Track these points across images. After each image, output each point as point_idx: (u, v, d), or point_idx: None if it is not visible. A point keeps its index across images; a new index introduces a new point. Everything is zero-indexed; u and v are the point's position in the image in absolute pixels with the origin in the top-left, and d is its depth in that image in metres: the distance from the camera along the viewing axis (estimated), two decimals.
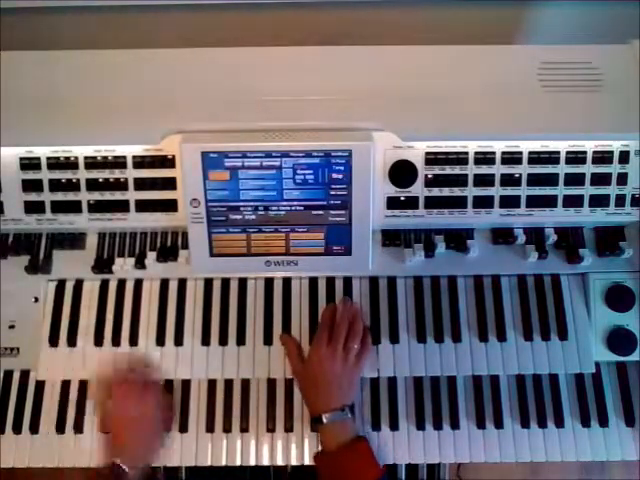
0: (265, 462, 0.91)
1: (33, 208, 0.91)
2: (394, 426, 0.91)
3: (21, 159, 0.89)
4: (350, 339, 0.89)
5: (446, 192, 0.91)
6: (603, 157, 0.89)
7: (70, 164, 0.89)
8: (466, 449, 0.91)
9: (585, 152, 0.89)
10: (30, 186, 0.90)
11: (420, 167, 0.89)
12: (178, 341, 0.93)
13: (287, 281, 0.96)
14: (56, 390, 0.94)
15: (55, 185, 0.90)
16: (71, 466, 0.91)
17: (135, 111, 0.87)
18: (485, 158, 0.89)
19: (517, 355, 0.92)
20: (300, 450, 0.91)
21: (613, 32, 0.95)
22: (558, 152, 0.89)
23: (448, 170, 0.90)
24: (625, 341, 0.92)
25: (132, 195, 0.91)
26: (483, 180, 0.90)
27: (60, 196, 0.91)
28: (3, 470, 0.91)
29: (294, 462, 0.92)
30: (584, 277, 0.95)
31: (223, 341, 0.93)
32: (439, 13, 1.10)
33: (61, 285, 0.96)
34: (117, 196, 0.91)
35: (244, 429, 0.92)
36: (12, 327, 0.94)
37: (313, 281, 0.96)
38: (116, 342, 0.93)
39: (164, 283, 0.96)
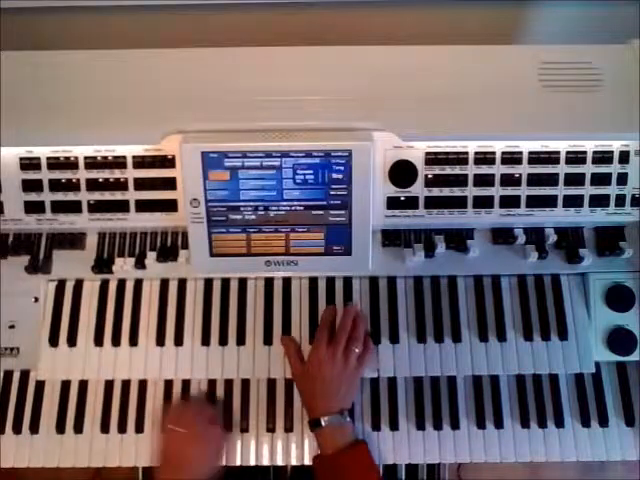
0: (265, 462, 0.91)
1: (33, 208, 0.91)
2: (394, 426, 0.91)
3: (21, 159, 0.89)
4: (351, 343, 0.89)
5: (446, 192, 0.91)
6: (603, 157, 0.89)
7: (70, 164, 0.89)
8: (466, 449, 0.91)
9: (585, 152, 0.89)
10: (30, 186, 0.90)
11: (420, 167, 0.89)
12: (178, 341, 0.93)
13: (287, 281, 0.96)
14: (56, 390, 0.94)
15: (55, 185, 0.90)
16: (71, 466, 0.92)
17: (135, 111, 0.87)
18: (485, 158, 0.89)
19: (517, 355, 0.92)
20: (300, 450, 0.91)
21: (613, 32, 0.95)
22: (558, 152, 0.89)
23: (448, 170, 0.90)
24: (625, 341, 0.92)
25: (132, 195, 0.91)
26: (483, 180, 0.90)
27: (60, 196, 0.91)
28: (3, 470, 0.91)
29: (294, 462, 0.92)
30: (584, 277, 0.95)
31: (223, 341, 0.93)
32: (439, 13, 1.10)
33: (61, 285, 0.96)
34: (117, 196, 0.91)
35: (244, 429, 0.92)
36: (12, 327, 0.94)
37: (313, 281, 0.96)
38: (116, 342, 0.93)
39: (164, 283, 0.96)
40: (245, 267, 0.92)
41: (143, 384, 0.94)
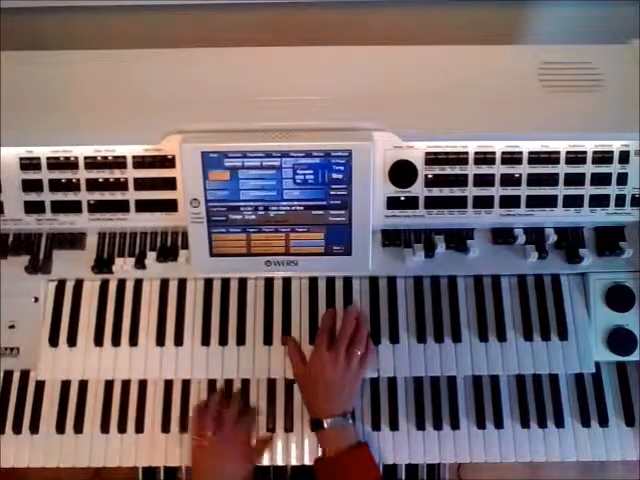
0: (265, 462, 0.92)
1: (33, 208, 0.91)
2: (394, 426, 0.91)
3: (21, 159, 0.89)
4: (353, 345, 0.89)
5: (446, 192, 0.91)
6: (603, 157, 0.89)
7: (70, 164, 0.89)
8: (466, 449, 0.91)
9: (585, 152, 0.89)
10: (30, 186, 0.90)
11: (420, 167, 0.89)
12: (178, 341, 0.93)
13: (287, 281, 0.96)
14: (56, 390, 0.94)
15: (55, 185, 0.90)
16: (71, 466, 0.92)
17: (135, 111, 0.87)
18: (485, 158, 0.89)
19: (517, 355, 0.92)
20: (300, 450, 0.91)
21: (613, 32, 0.95)
22: (558, 152, 0.89)
23: (448, 170, 0.90)
24: (625, 341, 0.92)
25: (132, 195, 0.91)
26: (483, 180, 0.90)
27: (60, 196, 0.91)
28: (3, 470, 0.91)
29: (294, 462, 0.92)
30: (584, 277, 0.95)
31: (223, 341, 0.93)
32: (439, 13, 1.10)
33: (61, 285, 0.96)
34: (117, 196, 0.91)
35: None
36: (12, 327, 0.94)
37: (313, 281, 0.96)
38: (116, 342, 0.93)
39: (164, 283, 0.96)
40: (245, 267, 0.92)
41: (143, 384, 0.94)
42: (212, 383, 0.94)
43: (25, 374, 0.95)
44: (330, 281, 0.96)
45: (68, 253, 0.95)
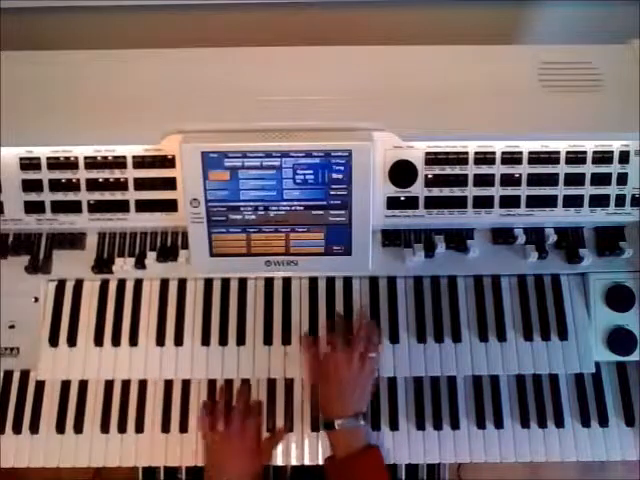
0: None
1: (33, 208, 0.91)
2: (394, 426, 0.91)
3: (21, 159, 0.89)
4: (368, 347, 0.89)
5: (446, 192, 0.91)
6: (603, 157, 0.89)
7: (70, 164, 0.89)
8: (466, 449, 0.91)
9: (585, 152, 0.89)
10: (30, 186, 0.90)
11: (420, 167, 0.89)
12: (178, 341, 0.93)
13: (287, 281, 0.96)
14: (56, 390, 0.94)
15: (55, 185, 0.90)
16: (71, 466, 0.92)
17: (135, 111, 0.87)
18: (485, 158, 0.89)
19: (517, 355, 0.92)
20: (300, 450, 0.91)
21: (613, 32, 0.95)
22: (558, 152, 0.89)
23: (448, 170, 0.90)
24: (625, 341, 0.92)
25: (132, 195, 0.91)
26: (483, 180, 0.90)
27: (60, 196, 0.91)
28: (3, 470, 0.91)
29: (294, 462, 0.92)
30: (584, 277, 0.95)
31: (223, 341, 0.93)
32: (439, 13, 1.10)
33: (61, 285, 0.96)
34: (117, 196, 0.91)
35: None
36: (12, 327, 0.94)
37: (313, 281, 0.96)
38: (116, 342, 0.93)
39: (164, 283, 0.96)
40: (245, 267, 0.92)
41: (143, 384, 0.94)
42: (212, 383, 0.94)
43: (25, 374, 0.95)
44: (330, 281, 0.96)
45: (68, 253, 0.95)
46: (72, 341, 0.93)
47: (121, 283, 0.96)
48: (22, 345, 0.94)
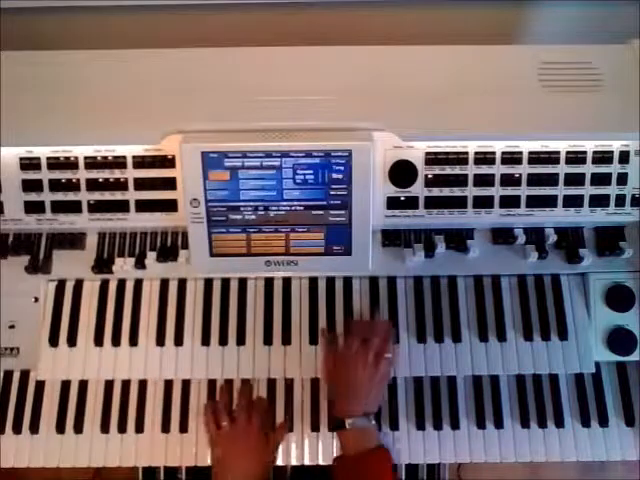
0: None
1: (33, 208, 0.91)
2: (394, 426, 0.91)
3: (21, 159, 0.89)
4: (383, 348, 0.89)
5: (446, 192, 0.91)
6: (603, 157, 0.89)
7: (70, 164, 0.89)
8: (466, 449, 0.91)
9: (585, 152, 0.89)
10: (30, 186, 0.90)
11: (420, 167, 0.89)
12: (178, 341, 0.93)
13: (287, 281, 0.96)
14: (56, 390, 0.94)
15: (55, 185, 0.90)
16: (71, 466, 0.92)
17: (135, 111, 0.87)
18: (485, 158, 0.89)
19: (517, 355, 0.92)
20: (300, 450, 0.91)
21: (613, 32, 0.95)
22: (558, 152, 0.89)
23: (448, 170, 0.90)
24: (625, 341, 0.92)
25: (132, 195, 0.91)
26: (483, 180, 0.90)
27: (60, 196, 0.91)
28: (3, 470, 0.91)
29: (294, 462, 0.92)
30: (584, 277, 0.95)
31: (223, 341, 0.93)
32: (440, 13, 1.10)
33: (61, 285, 0.96)
34: (117, 196, 0.91)
35: None
36: (12, 327, 0.94)
37: (313, 281, 0.96)
38: (116, 342, 0.93)
39: (164, 283, 0.96)
40: (245, 267, 0.92)
41: (143, 384, 0.94)
42: (212, 383, 0.94)
43: (25, 374, 0.95)
44: (330, 281, 0.96)
45: (68, 253, 0.95)
46: (72, 341, 0.93)
47: (121, 283, 0.96)
48: (22, 345, 0.94)
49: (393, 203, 0.91)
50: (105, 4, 1.07)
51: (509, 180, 0.90)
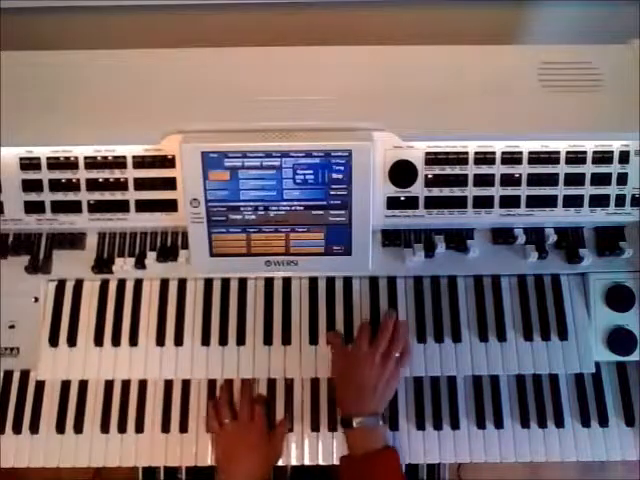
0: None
1: (33, 208, 0.91)
2: (394, 426, 0.91)
3: (21, 159, 0.89)
4: (392, 346, 0.89)
5: (446, 192, 0.91)
6: (603, 157, 0.89)
7: (70, 164, 0.89)
8: (466, 449, 0.91)
9: (585, 152, 0.89)
10: (30, 186, 0.90)
11: (420, 167, 0.89)
12: (178, 341, 0.93)
13: (287, 281, 0.96)
14: (56, 390, 0.94)
15: (55, 185, 0.90)
16: (71, 466, 0.92)
17: (135, 111, 0.87)
18: (485, 158, 0.89)
19: (517, 355, 0.92)
20: (300, 450, 0.92)
21: (613, 32, 0.95)
22: (558, 152, 0.89)
23: (448, 170, 0.90)
24: (625, 341, 0.92)
25: (132, 195, 0.91)
26: (483, 180, 0.90)
27: (60, 196, 0.91)
28: (3, 470, 0.91)
29: (294, 462, 0.92)
30: (584, 277, 0.95)
31: (223, 341, 0.93)
32: (439, 13, 1.10)
33: (61, 285, 0.96)
34: (117, 196, 0.91)
35: None
36: (12, 327, 0.94)
37: (313, 281, 0.96)
38: (116, 342, 0.93)
39: (164, 283, 0.96)
40: (245, 267, 0.92)
41: (143, 384, 0.94)
42: (212, 383, 0.94)
43: (25, 374, 0.95)
44: (330, 281, 0.96)
45: (68, 253, 0.95)
46: (72, 341, 0.93)
47: (121, 283, 0.96)
48: (22, 345, 0.94)
49: (393, 203, 0.91)
50: (105, 4, 1.07)
51: (509, 180, 0.90)
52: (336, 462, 0.90)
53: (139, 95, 0.89)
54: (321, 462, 0.91)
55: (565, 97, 0.88)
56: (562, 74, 0.90)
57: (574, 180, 0.90)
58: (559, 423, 0.91)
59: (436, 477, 1.13)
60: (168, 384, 0.94)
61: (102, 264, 0.93)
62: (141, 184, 0.90)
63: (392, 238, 0.94)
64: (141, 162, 0.89)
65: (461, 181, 0.90)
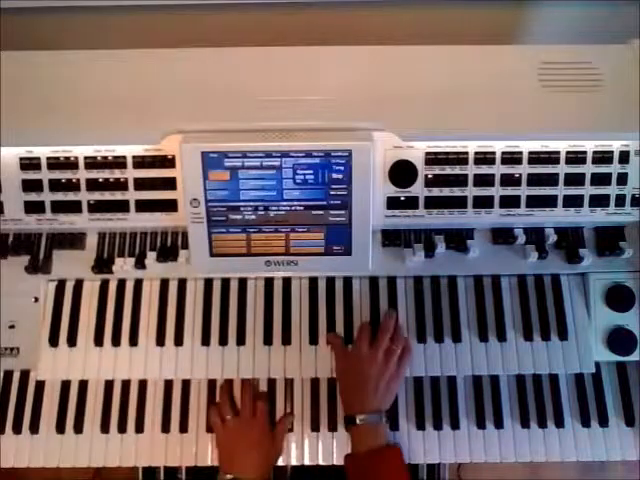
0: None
1: (33, 208, 0.91)
2: (394, 426, 0.91)
3: (21, 159, 0.89)
4: (392, 343, 0.89)
5: (446, 192, 0.91)
6: (603, 157, 0.89)
7: (70, 164, 0.89)
8: (466, 449, 0.91)
9: (585, 152, 0.89)
10: (30, 186, 0.90)
11: (420, 167, 0.89)
12: (178, 341, 0.93)
13: (287, 281, 0.96)
14: (56, 390, 0.94)
15: (55, 185, 0.90)
16: (71, 466, 0.92)
17: (135, 111, 0.87)
18: (485, 158, 0.89)
19: (517, 355, 0.92)
20: (300, 450, 0.92)
21: (613, 32, 0.95)
22: (558, 152, 0.89)
23: (448, 170, 0.90)
24: (625, 341, 0.92)
25: (132, 195, 0.91)
26: (483, 180, 0.90)
27: (60, 196, 0.91)
28: (3, 470, 0.91)
29: (294, 462, 0.92)
30: (584, 277, 0.95)
31: (223, 341, 0.93)
32: (439, 13, 1.10)
33: (61, 285, 0.96)
34: (117, 196, 0.91)
35: None
36: (12, 327, 0.94)
37: (313, 281, 0.96)
38: (116, 342, 0.93)
39: (164, 283, 0.96)
40: (245, 267, 0.92)
41: (143, 384, 0.94)
42: (212, 383, 0.94)
43: (25, 374, 0.95)
44: (330, 281, 0.96)
45: (68, 253, 0.95)
46: (72, 341, 0.93)
47: (121, 283, 0.96)
48: (22, 345, 0.94)
49: (393, 203, 0.91)
50: (105, 4, 1.07)
51: (509, 180, 0.90)
52: (336, 462, 0.90)
53: (139, 95, 0.89)
54: (321, 462, 0.91)
55: (565, 97, 0.88)
56: (562, 74, 0.90)
57: (574, 180, 0.90)
58: (559, 423, 0.91)
59: (436, 477, 1.13)
60: (168, 384, 0.94)
61: (102, 264, 0.93)
62: (141, 184, 0.90)
63: (392, 238, 0.94)
64: (141, 162, 0.89)
65: (461, 181, 0.90)
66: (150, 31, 1.10)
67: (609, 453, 0.91)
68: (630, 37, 0.94)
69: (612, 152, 0.89)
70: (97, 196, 0.91)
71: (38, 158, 0.89)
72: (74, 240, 0.95)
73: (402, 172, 0.89)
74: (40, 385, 0.94)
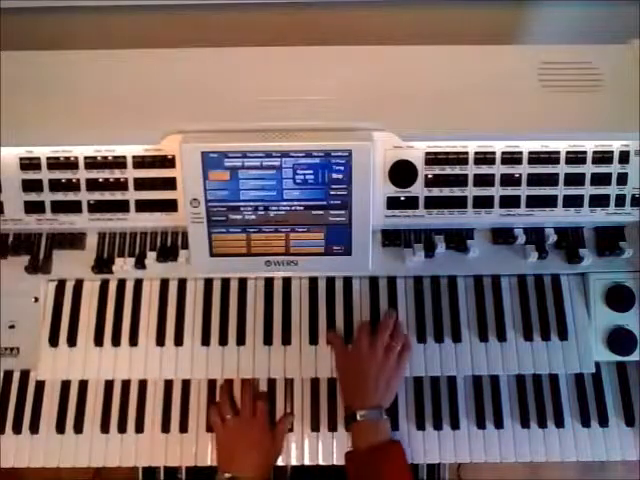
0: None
1: (33, 208, 0.91)
2: (394, 426, 0.91)
3: (21, 159, 0.89)
4: (392, 339, 0.89)
5: (446, 192, 0.91)
6: (603, 157, 0.89)
7: (70, 164, 0.89)
8: (466, 449, 0.91)
9: (585, 152, 0.89)
10: (30, 186, 0.90)
11: (420, 167, 0.89)
12: (178, 341, 0.93)
13: (287, 281, 0.96)
14: (56, 390, 0.94)
15: (55, 185, 0.90)
16: (71, 466, 0.92)
17: (135, 111, 0.87)
18: (485, 158, 0.89)
19: (517, 355, 0.92)
20: (300, 450, 0.92)
21: (613, 32, 0.95)
22: (558, 152, 0.89)
23: (448, 170, 0.90)
24: (625, 341, 0.92)
25: (132, 195, 0.91)
26: (483, 180, 0.90)
27: (60, 196, 0.91)
28: (3, 470, 0.91)
29: (294, 462, 0.92)
30: (584, 277, 0.95)
31: (223, 341, 0.93)
32: (439, 13, 1.10)
33: (61, 285, 0.96)
34: (117, 196, 0.91)
35: None
36: (12, 327, 0.94)
37: (313, 281, 0.96)
38: (116, 342, 0.93)
39: (164, 283, 0.96)
40: (245, 267, 0.92)
41: (143, 384, 0.94)
42: (212, 383, 0.94)
43: (25, 374, 0.95)
44: (330, 281, 0.96)
45: (68, 253, 0.95)
46: (72, 341, 0.93)
47: (121, 283, 0.96)
48: (22, 345, 0.94)
49: (393, 203, 0.91)
50: (105, 4, 1.07)
51: (509, 180, 0.90)
52: (336, 462, 0.90)
53: (139, 95, 0.89)
54: (321, 462, 0.91)
55: (565, 97, 0.88)
56: (562, 74, 0.90)
57: (574, 180, 0.90)
58: (559, 423, 0.91)
59: (436, 477, 1.13)
60: (168, 384, 0.94)
61: (102, 264, 0.93)
62: (141, 184, 0.90)
63: (392, 238, 0.94)
64: (141, 162, 0.89)
65: (461, 181, 0.90)
66: (150, 31, 1.10)
67: (609, 453, 0.91)
68: (630, 37, 0.94)
69: (612, 152, 0.89)
70: (97, 196, 0.91)
71: (38, 158, 0.89)
72: (74, 240, 0.95)
73: (402, 172, 0.89)
74: (40, 385, 0.94)
